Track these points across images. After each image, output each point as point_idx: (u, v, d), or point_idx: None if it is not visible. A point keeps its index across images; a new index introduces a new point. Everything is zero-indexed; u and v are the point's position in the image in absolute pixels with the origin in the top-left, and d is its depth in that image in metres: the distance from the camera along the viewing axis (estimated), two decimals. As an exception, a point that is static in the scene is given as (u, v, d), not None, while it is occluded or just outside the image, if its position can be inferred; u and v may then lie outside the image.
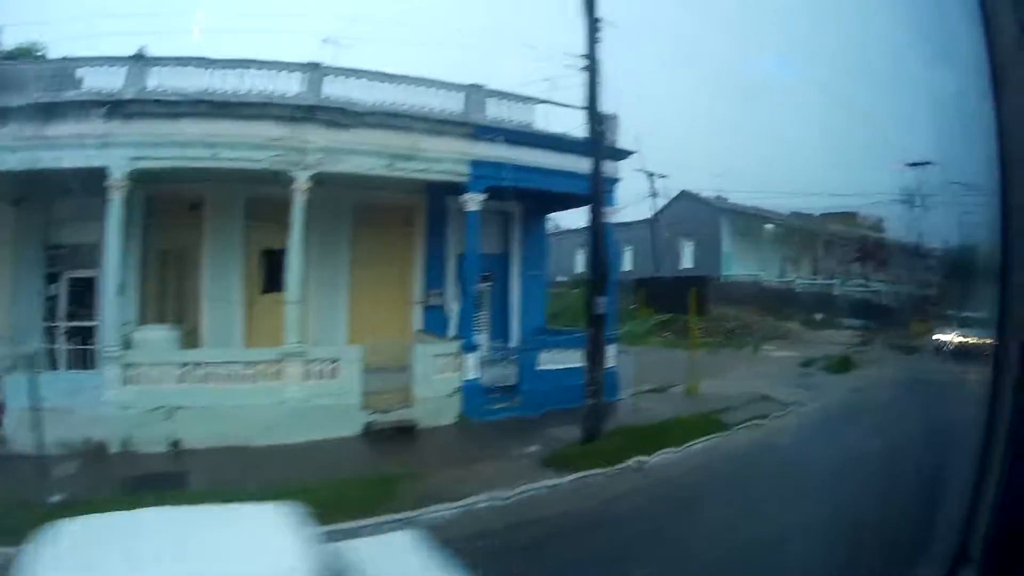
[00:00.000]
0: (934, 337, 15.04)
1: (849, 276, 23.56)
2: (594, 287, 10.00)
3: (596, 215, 10.07)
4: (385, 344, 10.94)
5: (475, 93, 11.59)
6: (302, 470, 8.94)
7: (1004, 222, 1.67)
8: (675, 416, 11.11)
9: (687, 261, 26.64)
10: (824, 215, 27.34)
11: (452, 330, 12.62)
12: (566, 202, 13.74)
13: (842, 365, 16.01)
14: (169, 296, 12.12)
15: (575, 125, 12.68)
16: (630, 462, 9.31)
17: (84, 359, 11.14)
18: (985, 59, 1.75)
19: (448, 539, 7.42)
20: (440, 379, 11.04)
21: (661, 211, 26.97)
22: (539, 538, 7.44)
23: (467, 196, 11.42)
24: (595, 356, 9.86)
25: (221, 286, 11.96)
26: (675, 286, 13.16)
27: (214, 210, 12.02)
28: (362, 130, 10.72)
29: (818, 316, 22.51)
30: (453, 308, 12.78)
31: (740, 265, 25.61)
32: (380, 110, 10.87)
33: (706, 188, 27.35)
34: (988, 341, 1.78)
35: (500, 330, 13.62)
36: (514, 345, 12.52)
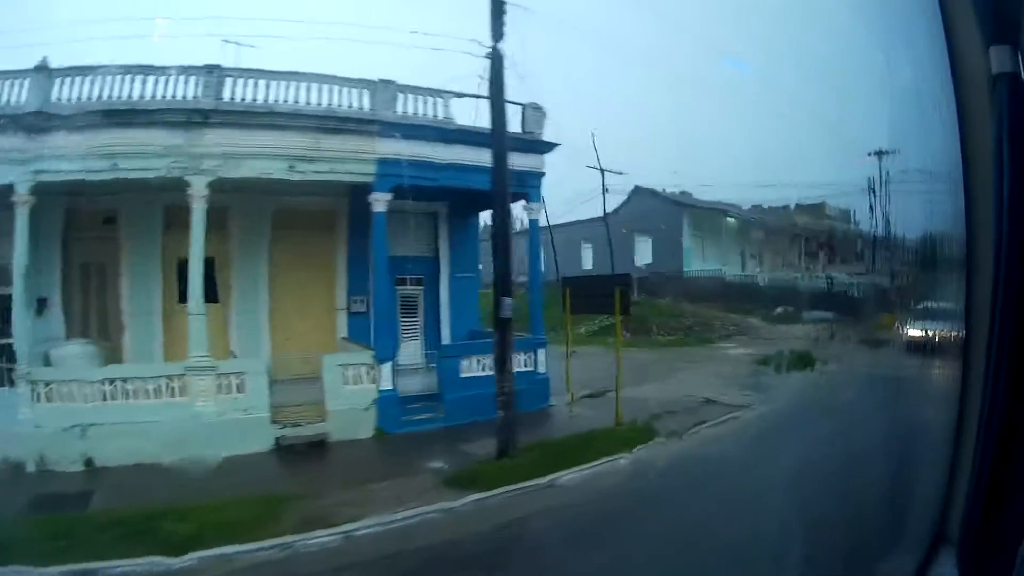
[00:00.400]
0: (899, 330, 13.91)
1: (813, 269, 22.36)
2: (499, 288, 9.33)
3: (500, 210, 9.36)
4: (297, 354, 10.55)
5: (384, 89, 10.99)
6: (198, 489, 8.68)
7: (968, 215, 1.67)
8: (604, 425, 10.38)
9: (646, 258, 25.78)
10: (788, 207, 26.23)
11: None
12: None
13: (801, 362, 14.93)
14: (92, 311, 12.00)
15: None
16: (541, 480, 8.65)
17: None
18: (945, 53, 1.73)
19: (318, 570, 7.08)
20: (352, 390, 10.57)
21: (618, 208, 26.36)
22: (412, 571, 6.90)
23: (373, 196, 10.86)
24: (503, 363, 9.19)
25: (141, 298, 11.72)
26: (601, 285, 12.35)
27: (130, 221, 11.78)
28: (262, 132, 10.26)
29: (781, 310, 21.53)
30: (371, 315, 12.31)
31: (701, 260, 24.74)
32: (280, 111, 10.39)
33: (671, 184, 26.97)
34: (952, 333, 1.81)
35: (434, 336, 13.08)
36: (433, 351, 11.90)
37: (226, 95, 10.31)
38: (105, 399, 10.24)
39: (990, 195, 1.58)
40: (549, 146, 12.47)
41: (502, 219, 9.42)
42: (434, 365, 11.50)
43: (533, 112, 12.12)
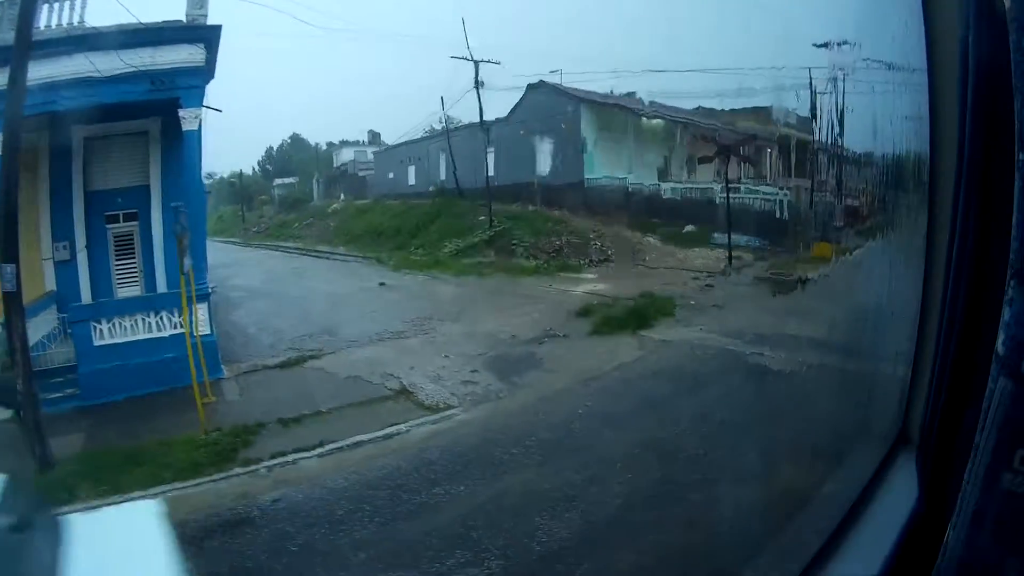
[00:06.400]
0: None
1: (742, 179, 16.76)
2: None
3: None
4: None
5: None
6: None
7: (932, 117, 1.62)
8: (188, 432, 7.41)
9: (544, 164, 20.23)
10: (732, 111, 20.18)
11: (85, 289, 10.82)
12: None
13: (633, 319, 10.16)
14: None
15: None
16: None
17: None
18: None
19: None
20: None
21: (514, 107, 21.09)
22: None
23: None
24: (15, 351, 7.02)
25: None
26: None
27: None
28: None
29: (687, 229, 16.68)
30: (82, 262, 10.85)
31: (611, 167, 18.71)
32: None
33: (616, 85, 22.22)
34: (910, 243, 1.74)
35: (152, 282, 11.33)
36: (64, 314, 9.87)
37: None
38: None
39: (955, 97, 1.48)
40: (208, 32, 9.24)
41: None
42: (68, 330, 9.71)
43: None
